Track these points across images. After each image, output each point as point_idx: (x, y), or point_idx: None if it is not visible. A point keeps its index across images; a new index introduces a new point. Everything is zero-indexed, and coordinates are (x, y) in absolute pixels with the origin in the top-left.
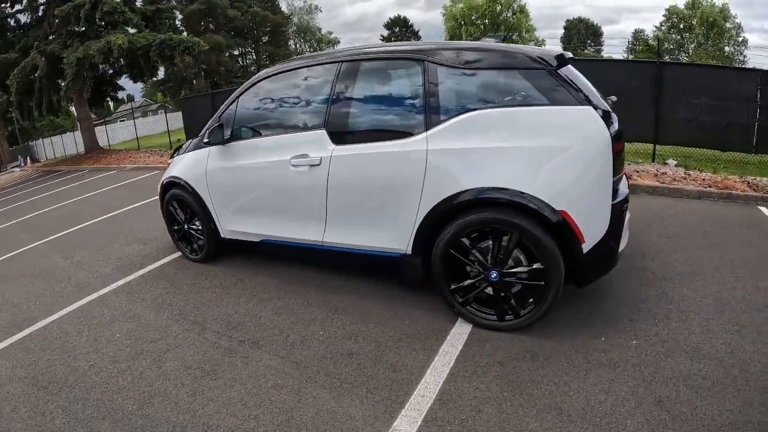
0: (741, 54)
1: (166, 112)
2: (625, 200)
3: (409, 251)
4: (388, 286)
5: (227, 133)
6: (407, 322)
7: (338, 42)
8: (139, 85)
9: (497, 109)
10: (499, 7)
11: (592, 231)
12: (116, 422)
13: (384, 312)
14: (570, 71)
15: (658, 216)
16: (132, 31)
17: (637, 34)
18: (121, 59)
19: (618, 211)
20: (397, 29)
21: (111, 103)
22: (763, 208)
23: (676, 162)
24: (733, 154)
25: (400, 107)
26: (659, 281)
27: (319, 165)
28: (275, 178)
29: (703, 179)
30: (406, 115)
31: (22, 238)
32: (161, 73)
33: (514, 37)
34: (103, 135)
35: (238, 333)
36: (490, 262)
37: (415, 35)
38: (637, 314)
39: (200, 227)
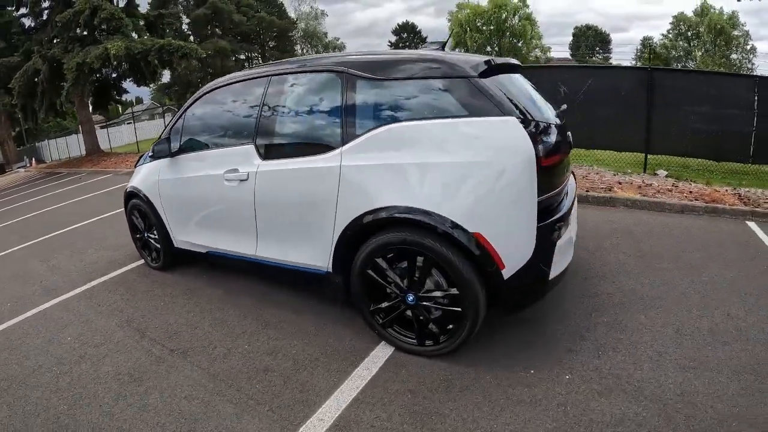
0: (749, 62)
1: (171, 115)
2: (559, 220)
3: (330, 269)
4: (326, 302)
5: (174, 146)
6: (331, 341)
7: (344, 47)
8: (148, 88)
9: (411, 123)
10: (504, 14)
11: (513, 255)
12: (47, 420)
13: (312, 328)
14: (498, 80)
15: (631, 232)
16: (134, 35)
17: (646, 42)
18: (122, 64)
19: (546, 233)
20: (405, 35)
21: (119, 106)
22: (751, 224)
23: (667, 173)
24: (731, 165)
25: (321, 121)
26: (614, 306)
27: (246, 180)
28: (213, 191)
29: (690, 191)
30: (325, 130)
31: (10, 240)
32: (167, 77)
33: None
34: (107, 138)
35: (172, 342)
36: (406, 284)
37: (423, 41)
38: (578, 344)
39: (157, 236)
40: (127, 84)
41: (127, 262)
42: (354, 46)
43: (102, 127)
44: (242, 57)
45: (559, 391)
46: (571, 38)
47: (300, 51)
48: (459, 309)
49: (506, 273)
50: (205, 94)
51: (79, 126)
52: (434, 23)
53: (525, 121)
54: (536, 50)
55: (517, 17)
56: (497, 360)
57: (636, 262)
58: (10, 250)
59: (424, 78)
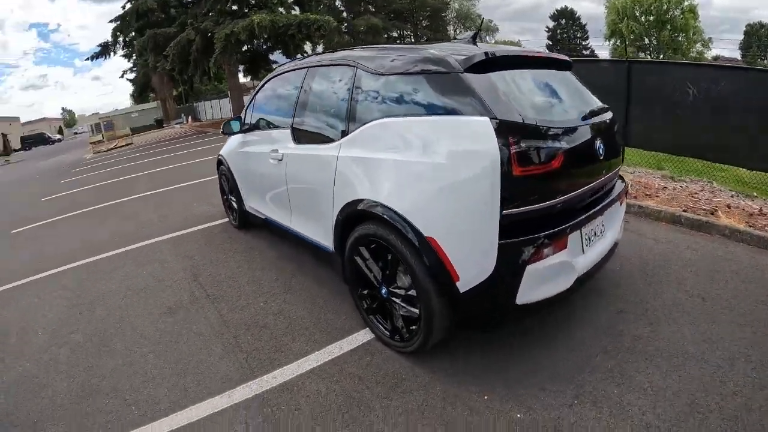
0: None
1: None
2: (537, 239)
3: (333, 249)
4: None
5: (244, 124)
6: (329, 315)
7: (497, 30)
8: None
9: (393, 119)
10: (666, 5)
11: (469, 269)
12: (98, 327)
13: (321, 301)
14: (497, 76)
15: (710, 269)
16: (281, 10)
17: None
18: (269, 38)
19: (513, 252)
20: (564, 21)
21: None
22: None
23: None
24: None
25: (334, 112)
26: (633, 355)
27: (282, 160)
28: (263, 167)
29: None
30: (335, 121)
31: (138, 188)
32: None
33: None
34: None
35: (212, 289)
36: (381, 277)
37: (582, 28)
38: (557, 386)
39: (235, 199)
40: (277, 56)
41: (218, 218)
42: (510, 29)
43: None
44: (394, 35)
45: (498, 427)
46: (742, 36)
47: (453, 32)
48: (416, 311)
49: (461, 286)
50: (269, 80)
51: (229, 91)
52: (596, 10)
53: (503, 123)
54: (697, 45)
55: (679, 9)
56: (459, 375)
57: (692, 307)
58: (137, 195)
59: (415, 73)
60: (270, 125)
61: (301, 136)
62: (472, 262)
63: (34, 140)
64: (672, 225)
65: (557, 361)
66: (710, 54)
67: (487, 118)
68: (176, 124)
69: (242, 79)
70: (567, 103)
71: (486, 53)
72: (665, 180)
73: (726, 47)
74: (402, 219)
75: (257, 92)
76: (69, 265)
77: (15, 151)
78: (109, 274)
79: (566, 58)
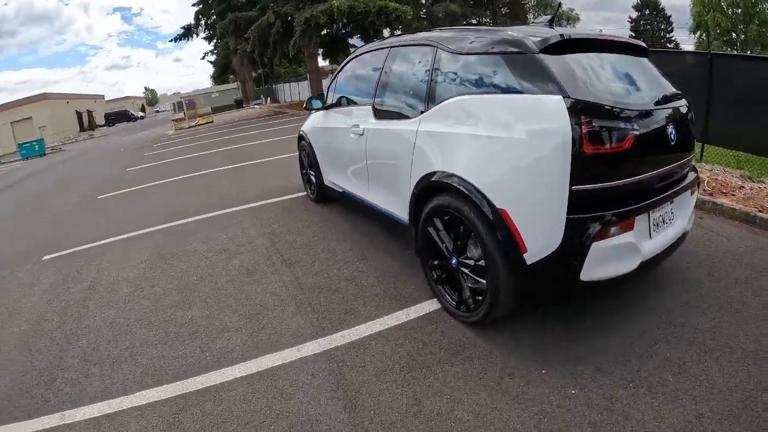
0: None
1: None
2: (606, 217)
3: (407, 221)
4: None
5: (327, 100)
6: (398, 285)
7: (578, 19)
8: None
9: (470, 96)
10: None
11: (537, 242)
12: (180, 282)
13: (392, 272)
14: (571, 58)
15: None
16: None
17: None
18: (348, 23)
19: (580, 228)
20: (647, 12)
21: None
22: None
23: None
24: None
25: (414, 90)
26: (690, 345)
27: (362, 135)
28: (344, 141)
29: None
30: (415, 98)
31: (220, 162)
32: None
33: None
34: None
35: (288, 254)
36: (452, 248)
37: (666, 20)
38: (613, 367)
39: (314, 173)
40: (355, 41)
41: (295, 192)
42: (592, 18)
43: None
44: (473, 21)
45: (552, 400)
46: None
47: (532, 19)
48: (483, 282)
49: (528, 258)
50: (350, 60)
51: (308, 74)
52: (681, 1)
53: (576, 102)
54: None
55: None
56: (519, 348)
57: (758, 307)
58: (218, 168)
59: (493, 54)
60: (351, 102)
61: (381, 113)
62: (540, 234)
63: (117, 117)
64: (746, 224)
65: (616, 345)
66: None
67: (560, 97)
68: (255, 104)
69: (321, 62)
70: (640, 88)
71: (561, 35)
72: (743, 179)
73: None
74: (476, 190)
75: (339, 71)
76: (152, 228)
77: (99, 126)
78: (190, 237)
79: (642, 44)
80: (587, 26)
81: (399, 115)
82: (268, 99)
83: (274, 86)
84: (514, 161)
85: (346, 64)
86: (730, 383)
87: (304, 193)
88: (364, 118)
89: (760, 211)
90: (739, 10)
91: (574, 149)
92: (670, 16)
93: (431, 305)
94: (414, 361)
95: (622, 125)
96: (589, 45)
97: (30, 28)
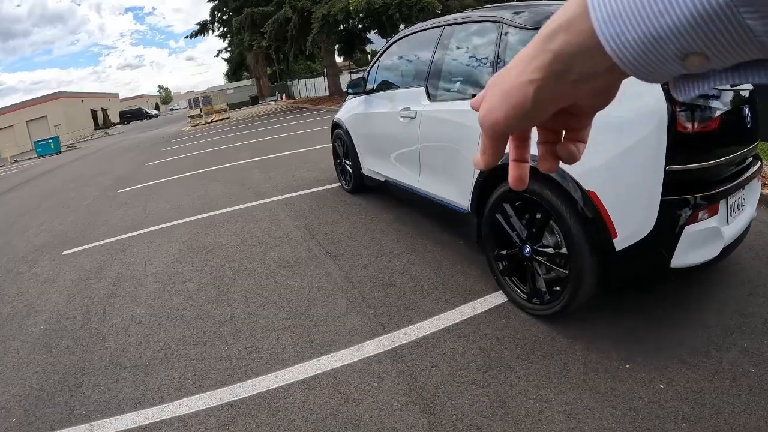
0: None
1: None
2: (697, 200)
3: (469, 209)
4: (470, 242)
5: (368, 85)
6: (457, 276)
7: None
8: None
9: None
10: None
11: (628, 226)
12: (214, 277)
13: (447, 263)
14: None
15: None
16: None
17: None
18: (365, 18)
19: (674, 211)
20: None
21: (369, 54)
22: None
23: None
24: None
25: (476, 69)
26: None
27: (414, 118)
28: (390, 126)
29: None
30: (478, 77)
31: (243, 155)
32: None
33: None
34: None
35: (331, 246)
36: (525, 235)
37: None
38: (697, 359)
39: (351, 162)
40: (372, 35)
41: (327, 183)
42: None
43: (350, 73)
44: None
45: (642, 396)
46: None
47: None
48: (565, 271)
49: (618, 244)
50: (395, 42)
51: (324, 70)
52: None
53: None
54: None
55: None
56: (597, 341)
57: None
58: (241, 162)
59: None
60: (399, 84)
61: (437, 94)
62: (632, 218)
63: (132, 115)
64: None
65: (693, 336)
66: None
67: None
68: (271, 101)
69: (336, 59)
70: None
71: None
72: None
73: None
74: (562, 171)
75: (381, 54)
76: (178, 221)
77: (114, 124)
78: (220, 229)
79: None
80: None
81: (460, 96)
82: (284, 95)
83: (289, 83)
84: (604, 140)
85: (389, 47)
86: None
87: (337, 184)
88: (416, 100)
89: None
90: None
91: (670, 127)
92: None
93: (497, 298)
94: (490, 359)
95: (713, 104)
96: None
97: (43, 29)
